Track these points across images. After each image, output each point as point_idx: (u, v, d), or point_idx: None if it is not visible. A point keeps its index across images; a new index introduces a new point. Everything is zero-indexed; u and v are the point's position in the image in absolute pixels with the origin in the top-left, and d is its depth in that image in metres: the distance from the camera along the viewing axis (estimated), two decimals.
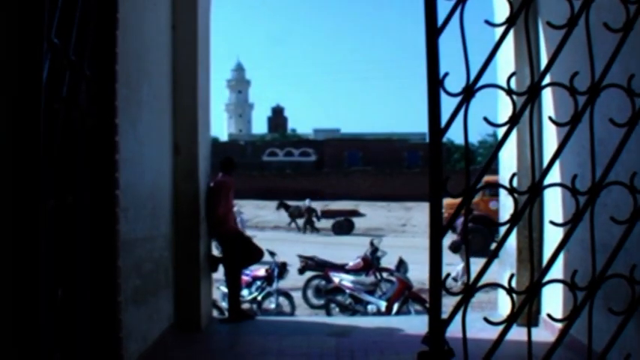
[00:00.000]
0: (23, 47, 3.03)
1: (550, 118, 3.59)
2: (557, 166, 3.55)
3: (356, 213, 43.80)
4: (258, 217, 46.14)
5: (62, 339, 3.61)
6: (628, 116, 3.34)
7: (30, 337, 3.10)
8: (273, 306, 13.42)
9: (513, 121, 3.34)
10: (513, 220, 3.35)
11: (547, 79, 3.41)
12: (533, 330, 3.56)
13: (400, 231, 41.25)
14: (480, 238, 27.74)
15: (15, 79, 3.01)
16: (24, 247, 3.04)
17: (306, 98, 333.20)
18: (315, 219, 41.32)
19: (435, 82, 3.27)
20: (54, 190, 3.42)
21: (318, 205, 44.66)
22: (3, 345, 3.06)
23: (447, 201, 27.11)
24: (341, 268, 14.92)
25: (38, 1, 3.04)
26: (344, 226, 39.51)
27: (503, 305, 9.46)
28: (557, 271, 3.61)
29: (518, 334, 3.69)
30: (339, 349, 8.42)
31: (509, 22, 3.34)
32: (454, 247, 21.72)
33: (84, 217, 4.15)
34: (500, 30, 3.40)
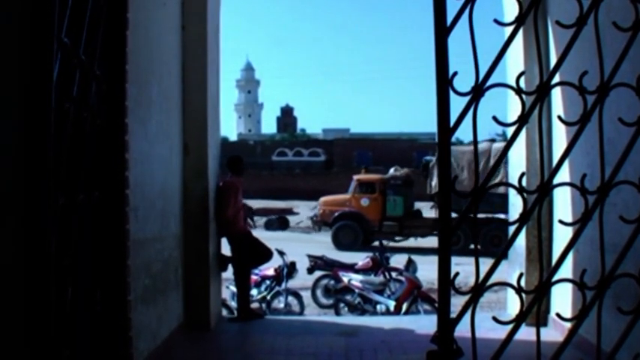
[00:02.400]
0: (33, 47, 3.04)
1: (559, 118, 3.59)
2: (566, 165, 3.55)
3: (289, 211, 44.88)
4: None
5: (71, 337, 3.62)
6: (637, 115, 3.33)
7: (41, 335, 3.12)
8: (282, 305, 13.42)
9: (522, 121, 3.34)
10: (522, 220, 3.35)
11: (556, 79, 3.41)
12: (542, 330, 3.55)
13: None
14: (350, 233, 28.97)
15: (25, 79, 3.03)
16: (34, 245, 3.06)
17: (316, 98, 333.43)
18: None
19: (444, 82, 3.27)
20: (64, 189, 3.43)
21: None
22: (15, 342, 3.08)
23: (323, 199, 27.96)
24: (350, 267, 14.92)
25: (48, 1, 3.06)
26: (275, 223, 40.62)
27: (513, 305, 9.44)
28: (566, 270, 3.60)
29: (527, 333, 3.69)
30: (348, 349, 8.42)
31: (519, 22, 3.33)
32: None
33: (94, 216, 4.17)
34: (509, 29, 3.40)
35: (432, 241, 26.40)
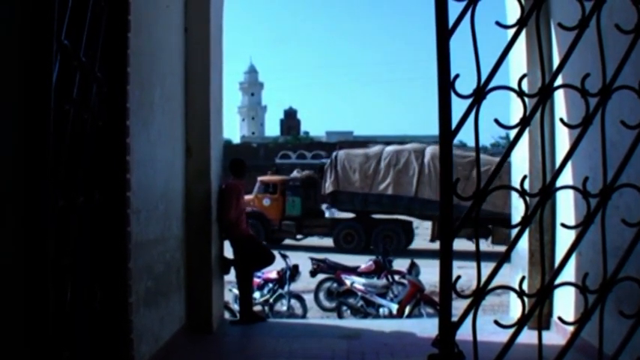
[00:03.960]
0: (33, 48, 3.04)
1: (561, 120, 3.58)
2: (568, 168, 3.53)
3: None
4: None
5: (71, 339, 3.61)
6: None
7: (40, 336, 3.11)
8: (284, 308, 13.40)
9: (524, 123, 3.33)
10: (524, 223, 3.34)
11: (559, 81, 3.40)
12: (545, 333, 3.54)
13: None
14: (253, 232, 30.03)
15: (25, 80, 3.02)
16: (33, 247, 3.05)
17: (319, 101, 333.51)
18: None
19: (446, 84, 3.26)
20: (63, 191, 3.43)
21: None
22: (15, 343, 3.07)
23: None
24: (353, 270, 14.88)
25: (48, 3, 3.05)
26: None
27: (515, 308, 9.42)
28: (568, 273, 3.59)
29: (529, 337, 3.68)
30: (351, 352, 8.41)
31: (521, 24, 3.32)
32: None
33: (95, 218, 4.16)
34: (511, 31, 3.39)
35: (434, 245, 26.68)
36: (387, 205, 27.56)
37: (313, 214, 31.17)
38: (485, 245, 26.97)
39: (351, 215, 29.93)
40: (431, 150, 27.00)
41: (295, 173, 32.44)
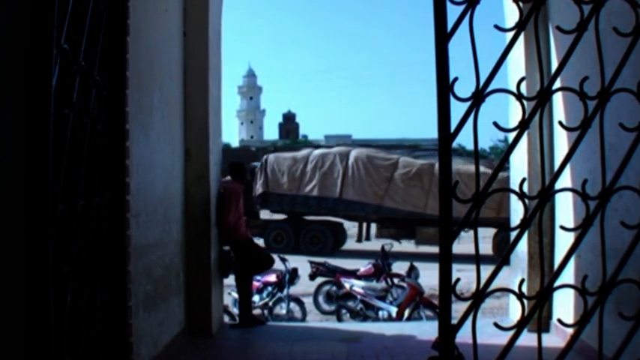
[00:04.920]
0: (33, 52, 3.04)
1: (560, 123, 3.59)
2: (567, 170, 3.54)
3: None
4: None
5: (72, 343, 3.61)
6: (638, 121, 3.32)
7: (42, 341, 3.11)
8: (284, 312, 13.37)
9: (523, 126, 3.34)
10: (523, 225, 3.35)
11: (557, 84, 3.41)
12: (544, 335, 3.55)
13: None
14: None
15: (25, 84, 3.02)
16: (34, 251, 3.06)
17: (318, 104, 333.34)
18: None
19: (445, 87, 3.27)
20: (64, 195, 3.43)
21: None
22: (17, 348, 3.07)
23: None
24: (352, 273, 14.87)
25: (48, 7, 3.05)
26: None
27: (515, 311, 9.42)
28: (568, 276, 3.60)
29: (528, 339, 3.68)
30: (350, 355, 8.41)
31: (519, 27, 3.33)
32: None
33: (94, 222, 4.16)
34: (510, 35, 3.39)
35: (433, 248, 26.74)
36: (313, 207, 27.95)
37: (248, 215, 31.29)
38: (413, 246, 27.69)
39: (283, 216, 30.29)
40: (355, 153, 27.49)
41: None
